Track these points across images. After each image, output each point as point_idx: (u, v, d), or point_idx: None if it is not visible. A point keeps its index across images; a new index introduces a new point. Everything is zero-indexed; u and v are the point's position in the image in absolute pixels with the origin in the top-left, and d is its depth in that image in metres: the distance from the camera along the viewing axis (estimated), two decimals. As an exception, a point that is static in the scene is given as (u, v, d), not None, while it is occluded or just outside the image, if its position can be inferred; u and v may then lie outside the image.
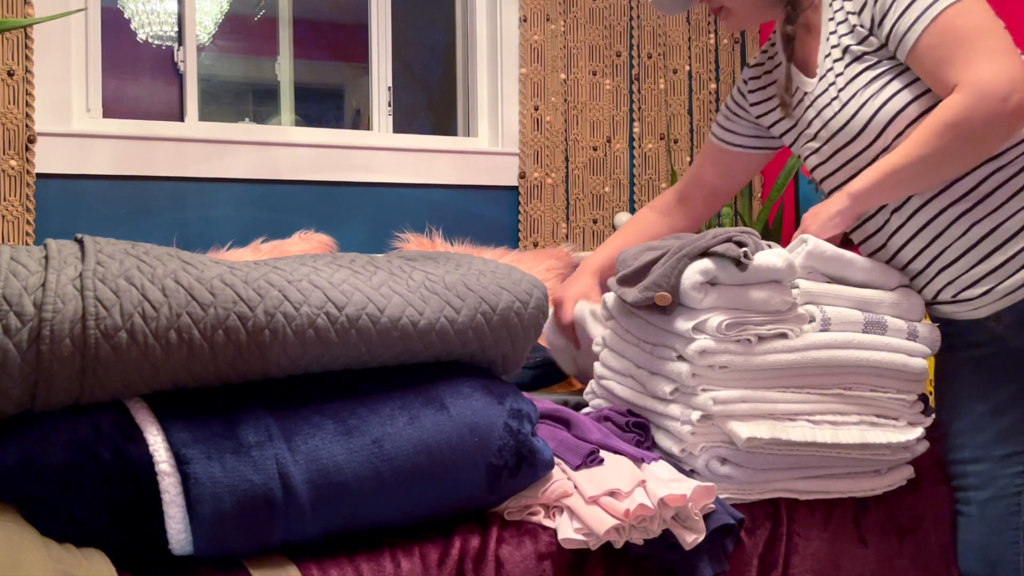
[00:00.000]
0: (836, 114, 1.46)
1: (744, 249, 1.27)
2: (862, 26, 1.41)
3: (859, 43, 1.42)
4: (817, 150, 1.52)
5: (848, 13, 1.43)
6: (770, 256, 1.31)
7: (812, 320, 1.35)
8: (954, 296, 1.41)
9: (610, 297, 1.53)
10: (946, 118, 1.29)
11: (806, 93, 1.53)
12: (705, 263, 1.29)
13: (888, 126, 1.40)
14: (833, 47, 1.46)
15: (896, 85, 1.39)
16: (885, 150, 1.41)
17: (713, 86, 3.33)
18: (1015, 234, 1.35)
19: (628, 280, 1.41)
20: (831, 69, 1.47)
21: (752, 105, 1.70)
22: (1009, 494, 1.40)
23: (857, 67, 1.42)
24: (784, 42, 1.57)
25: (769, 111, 1.66)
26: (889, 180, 1.36)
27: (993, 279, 1.36)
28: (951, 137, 1.29)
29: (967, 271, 1.38)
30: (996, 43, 1.29)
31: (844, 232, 1.50)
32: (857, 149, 1.44)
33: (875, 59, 1.41)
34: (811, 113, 1.52)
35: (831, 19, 1.46)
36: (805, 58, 1.54)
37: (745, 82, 1.73)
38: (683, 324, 1.31)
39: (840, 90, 1.45)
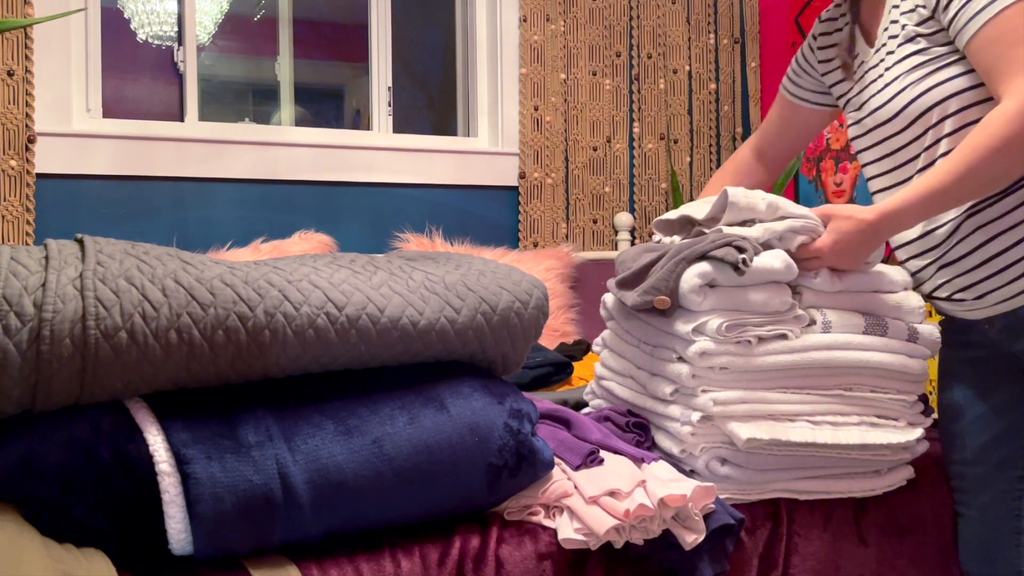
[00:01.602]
0: (879, 92, 1.43)
1: (743, 256, 1.27)
2: (924, 7, 1.36)
3: (918, 24, 1.37)
4: (859, 121, 1.50)
5: None
6: (768, 258, 1.31)
7: (813, 323, 1.35)
8: (949, 295, 1.41)
9: (609, 298, 1.53)
10: (992, 131, 1.23)
11: (863, 61, 1.50)
12: (703, 266, 1.29)
13: (921, 116, 1.36)
14: (893, 22, 1.42)
15: (941, 76, 1.35)
16: (916, 140, 1.38)
17: (713, 86, 3.33)
18: (1014, 244, 1.32)
19: (627, 283, 1.41)
20: (885, 45, 1.43)
21: (820, 62, 1.65)
22: (1007, 498, 1.39)
23: (908, 48, 1.38)
24: (851, 1, 1.53)
25: (832, 70, 1.61)
26: (927, 201, 1.28)
27: (988, 285, 1.34)
28: (995, 153, 1.23)
29: (964, 273, 1.37)
30: None
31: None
32: (890, 132, 1.42)
33: (927, 44, 1.36)
34: (862, 84, 1.49)
35: None
36: (870, 25, 1.50)
37: (815, 37, 1.66)
38: (683, 326, 1.31)
39: (887, 69, 1.42)
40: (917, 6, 1.38)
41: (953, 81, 1.34)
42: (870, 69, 1.47)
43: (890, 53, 1.42)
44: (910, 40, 1.39)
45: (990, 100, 1.32)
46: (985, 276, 1.35)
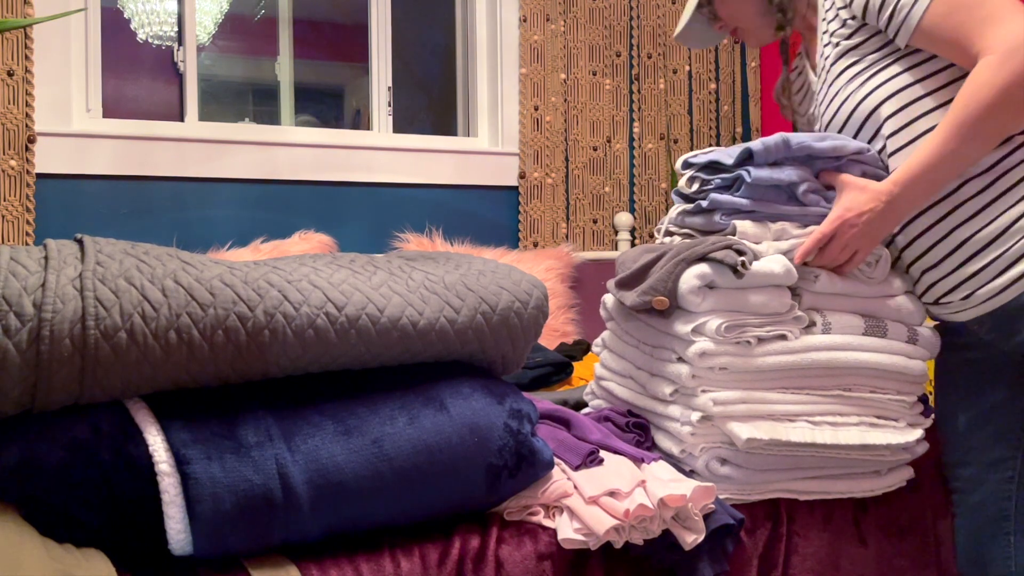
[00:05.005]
0: (825, 110, 1.48)
1: (742, 258, 1.27)
2: (853, 18, 1.41)
3: (848, 37, 1.43)
4: None
5: (838, 8, 1.44)
6: (768, 262, 1.31)
7: (813, 324, 1.34)
8: (937, 299, 1.41)
9: (609, 299, 1.53)
10: (984, 81, 1.25)
11: (815, 92, 1.58)
12: (702, 267, 1.29)
13: (867, 121, 1.40)
14: (825, 45, 1.48)
15: (876, 80, 1.39)
16: (872, 143, 1.41)
17: (713, 86, 3.33)
18: (992, 240, 1.32)
19: (626, 283, 1.41)
20: (823, 67, 1.49)
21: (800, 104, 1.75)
22: (998, 499, 1.39)
23: (843, 63, 1.43)
24: (780, 48, 1.64)
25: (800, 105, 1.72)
26: (938, 164, 1.29)
27: (972, 284, 1.34)
28: (994, 103, 1.24)
29: (948, 275, 1.37)
30: (1005, 1, 1.27)
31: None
32: None
33: (859, 55, 1.41)
34: (818, 110, 1.56)
35: (824, 19, 1.49)
36: (815, 58, 1.59)
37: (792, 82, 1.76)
38: (682, 327, 1.31)
39: (828, 86, 1.47)
40: (844, 20, 1.43)
41: (887, 84, 1.38)
42: (818, 93, 1.53)
43: (828, 71, 1.48)
44: (843, 56, 1.44)
45: (926, 96, 1.36)
46: (967, 276, 1.35)
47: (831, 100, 1.46)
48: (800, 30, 1.63)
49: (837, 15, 1.44)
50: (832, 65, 1.46)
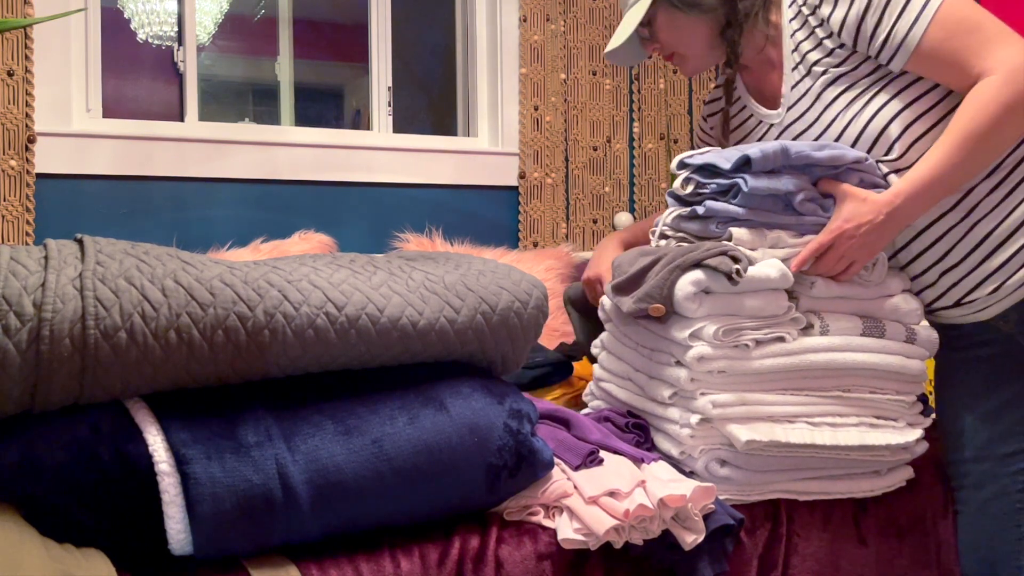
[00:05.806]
0: (821, 134, 1.47)
1: (737, 266, 1.27)
2: (841, 46, 1.42)
3: (838, 65, 1.43)
4: None
5: (821, 38, 1.44)
6: (764, 267, 1.30)
7: (811, 327, 1.34)
8: (959, 300, 1.41)
9: (607, 302, 1.53)
10: (991, 98, 1.28)
11: (772, 125, 1.55)
12: (697, 274, 1.29)
13: (875, 143, 1.40)
14: (805, 75, 1.47)
15: (883, 97, 1.40)
16: (889, 161, 1.41)
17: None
18: (1014, 231, 1.36)
19: (623, 288, 1.41)
20: (805, 95, 1.48)
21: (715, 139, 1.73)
22: (1010, 492, 1.40)
23: (836, 88, 1.44)
24: (725, 85, 1.61)
25: (737, 142, 1.65)
26: (942, 178, 1.31)
27: (1000, 276, 1.36)
28: (1000, 119, 1.28)
29: (972, 271, 1.38)
30: (999, 25, 1.32)
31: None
32: None
33: (851, 80, 1.42)
34: (803, 136, 1.54)
35: (794, 51, 1.48)
36: (770, 92, 1.56)
37: (705, 119, 1.75)
38: (679, 332, 1.31)
39: (820, 114, 1.47)
40: (832, 49, 1.43)
41: (888, 106, 1.40)
42: (790, 125, 1.51)
43: (816, 99, 1.47)
44: (834, 82, 1.44)
45: (917, 119, 1.38)
46: (993, 269, 1.37)
47: (829, 124, 1.45)
48: (750, 64, 1.57)
49: (821, 44, 1.44)
50: (822, 92, 1.45)
